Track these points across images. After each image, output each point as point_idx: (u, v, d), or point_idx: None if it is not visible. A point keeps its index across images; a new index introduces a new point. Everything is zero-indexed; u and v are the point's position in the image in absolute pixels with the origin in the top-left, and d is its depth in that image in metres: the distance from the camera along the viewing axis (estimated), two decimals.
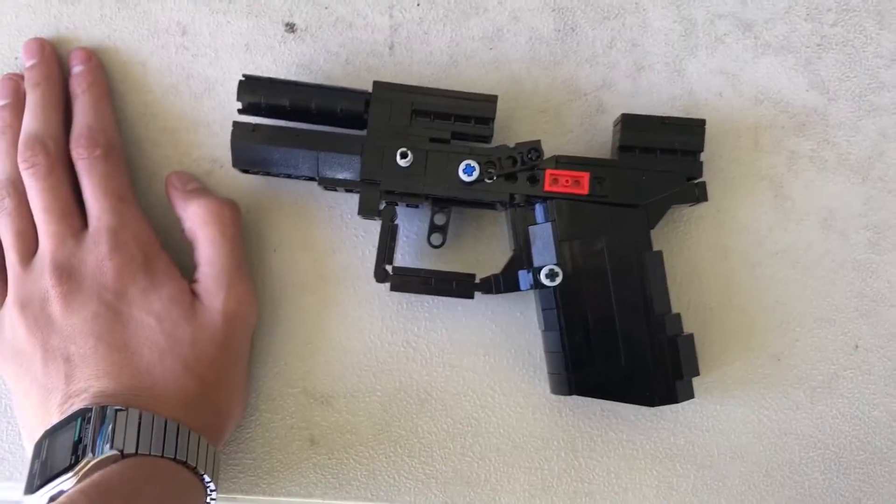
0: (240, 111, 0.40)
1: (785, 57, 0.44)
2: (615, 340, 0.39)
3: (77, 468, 0.34)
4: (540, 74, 0.44)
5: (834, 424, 0.44)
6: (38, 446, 0.35)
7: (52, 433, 0.35)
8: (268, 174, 0.41)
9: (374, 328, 0.44)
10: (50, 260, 0.38)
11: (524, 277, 0.40)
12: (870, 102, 0.44)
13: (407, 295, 0.43)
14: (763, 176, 0.44)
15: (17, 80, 0.42)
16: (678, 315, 0.40)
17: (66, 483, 0.34)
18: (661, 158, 0.40)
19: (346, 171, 0.40)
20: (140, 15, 0.43)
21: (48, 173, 0.38)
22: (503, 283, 0.40)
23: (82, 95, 0.41)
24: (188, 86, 0.44)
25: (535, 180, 0.39)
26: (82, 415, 0.35)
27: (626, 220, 0.39)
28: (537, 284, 0.39)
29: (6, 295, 0.39)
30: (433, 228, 0.41)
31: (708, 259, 0.44)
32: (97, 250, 0.38)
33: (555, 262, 0.39)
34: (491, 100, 0.39)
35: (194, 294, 0.39)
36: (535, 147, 0.39)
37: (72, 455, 0.34)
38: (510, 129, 0.43)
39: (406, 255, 0.43)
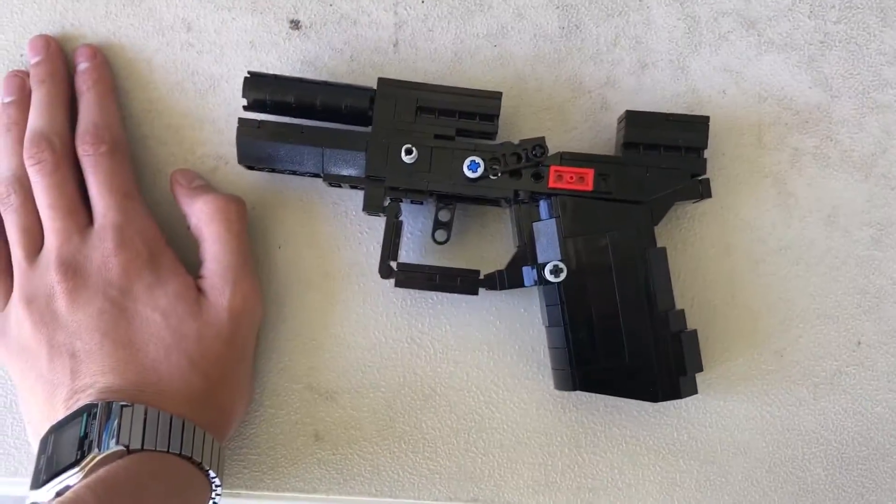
0: (245, 108, 0.40)
1: (788, 54, 0.44)
2: (619, 336, 0.39)
3: (83, 463, 0.34)
4: (544, 71, 0.44)
5: (837, 420, 0.44)
6: (44, 442, 0.36)
7: (57, 428, 0.35)
8: (273, 171, 0.41)
9: (379, 324, 0.44)
10: (55, 256, 0.38)
11: (528, 274, 0.40)
12: (873, 99, 0.44)
13: (411, 291, 0.43)
14: (766, 173, 0.44)
15: (22, 77, 0.42)
16: (682, 311, 0.40)
17: (71, 478, 0.34)
18: (665, 155, 0.40)
19: (350, 168, 0.40)
20: (145, 12, 0.44)
21: (54, 170, 0.39)
22: (507, 279, 0.40)
23: (87, 92, 0.41)
24: (193, 83, 0.44)
25: (539, 177, 0.39)
26: (88, 410, 0.35)
27: (630, 216, 0.39)
28: (541, 281, 0.39)
29: (12, 291, 0.39)
30: (437, 225, 0.41)
31: (711, 256, 0.44)
32: (103, 247, 0.38)
33: (559, 258, 0.39)
34: (495, 96, 0.39)
35: (200, 290, 0.40)
36: (539, 143, 0.39)
37: (77, 450, 0.34)
38: (514, 126, 0.43)
39: (410, 252, 0.44)
